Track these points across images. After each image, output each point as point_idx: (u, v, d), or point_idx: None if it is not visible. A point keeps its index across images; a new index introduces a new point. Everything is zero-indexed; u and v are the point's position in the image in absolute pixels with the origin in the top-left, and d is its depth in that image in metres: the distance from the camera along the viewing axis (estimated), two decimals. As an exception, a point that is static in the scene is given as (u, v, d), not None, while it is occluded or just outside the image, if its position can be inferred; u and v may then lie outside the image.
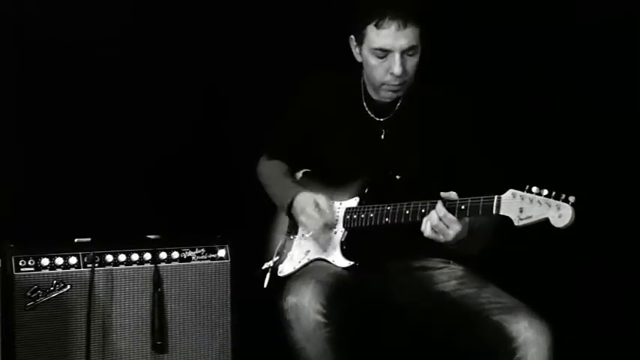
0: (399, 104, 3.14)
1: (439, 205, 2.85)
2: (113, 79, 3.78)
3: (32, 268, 3.28)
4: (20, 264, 3.27)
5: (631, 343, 3.67)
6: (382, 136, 3.16)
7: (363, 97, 3.18)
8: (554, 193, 2.69)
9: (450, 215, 2.83)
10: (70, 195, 3.73)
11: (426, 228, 2.88)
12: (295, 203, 3.15)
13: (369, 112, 3.17)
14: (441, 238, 2.87)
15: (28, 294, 3.26)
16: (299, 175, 3.34)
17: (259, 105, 3.83)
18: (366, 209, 3.05)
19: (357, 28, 3.07)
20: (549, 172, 3.60)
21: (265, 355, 3.53)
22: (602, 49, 3.71)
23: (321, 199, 3.11)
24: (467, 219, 2.86)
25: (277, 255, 3.24)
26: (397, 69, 3.02)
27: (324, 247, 3.11)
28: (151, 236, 3.50)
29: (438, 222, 2.85)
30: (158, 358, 3.41)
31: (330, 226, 3.10)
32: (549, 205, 2.68)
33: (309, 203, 3.11)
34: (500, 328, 2.89)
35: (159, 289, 3.40)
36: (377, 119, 3.17)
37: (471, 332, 2.96)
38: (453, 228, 2.84)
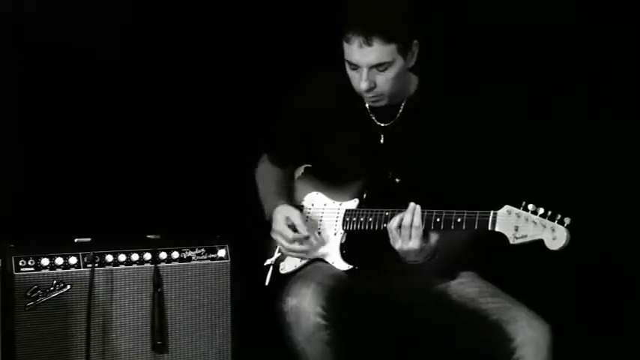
0: (401, 110, 3.14)
1: (417, 216, 2.86)
2: (113, 79, 3.78)
3: (32, 268, 3.27)
4: (20, 264, 3.26)
5: (629, 343, 3.67)
6: (382, 141, 3.15)
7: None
8: (549, 213, 2.69)
9: (420, 230, 2.84)
10: (70, 195, 3.73)
11: (393, 224, 2.89)
12: (273, 216, 3.17)
13: (372, 116, 3.17)
14: (397, 243, 2.89)
15: (28, 294, 3.26)
16: (300, 170, 3.34)
17: (259, 105, 3.83)
18: (365, 213, 3.05)
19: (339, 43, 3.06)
20: (549, 174, 3.62)
21: (265, 355, 3.53)
22: (602, 50, 3.71)
23: (294, 215, 3.12)
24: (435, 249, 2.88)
25: (278, 252, 3.24)
26: (363, 84, 3.00)
27: (324, 246, 3.12)
28: (151, 236, 3.50)
29: (409, 227, 2.86)
30: (158, 358, 3.40)
31: (301, 242, 3.10)
32: (544, 226, 2.69)
33: (280, 220, 3.13)
34: (499, 328, 2.90)
35: (159, 289, 3.39)
36: (378, 124, 3.16)
37: (470, 332, 2.97)
38: (413, 242, 2.86)
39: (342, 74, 3.14)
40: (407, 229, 2.88)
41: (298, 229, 3.10)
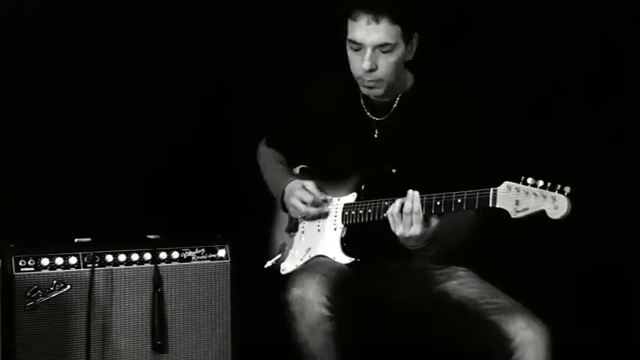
0: (396, 104, 3.14)
1: (417, 202, 2.86)
2: (113, 79, 3.78)
3: (32, 268, 3.27)
4: (20, 264, 3.26)
5: (629, 343, 3.67)
6: (375, 135, 3.16)
7: (361, 95, 3.18)
8: (549, 184, 2.70)
9: (421, 215, 2.85)
10: (70, 195, 3.73)
11: (394, 209, 2.89)
12: (286, 190, 3.21)
13: (366, 111, 3.18)
14: (398, 229, 2.89)
15: (28, 294, 3.26)
16: (296, 170, 3.35)
17: (260, 105, 3.83)
18: (364, 205, 3.06)
19: (343, 24, 3.06)
20: (549, 173, 3.62)
21: (265, 355, 3.53)
22: (602, 49, 3.71)
23: (308, 183, 3.16)
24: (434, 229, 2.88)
25: (279, 253, 3.25)
26: (365, 64, 3.00)
27: (325, 242, 3.13)
28: (151, 236, 3.50)
29: (410, 214, 2.87)
30: (158, 358, 3.41)
31: (318, 205, 3.14)
32: (545, 197, 2.69)
33: (296, 187, 3.17)
34: (498, 329, 2.89)
35: (159, 289, 3.39)
36: (373, 118, 3.17)
37: (470, 332, 2.97)
38: (414, 228, 2.86)
39: (341, 73, 3.13)
40: (408, 216, 2.88)
41: (315, 193, 3.15)
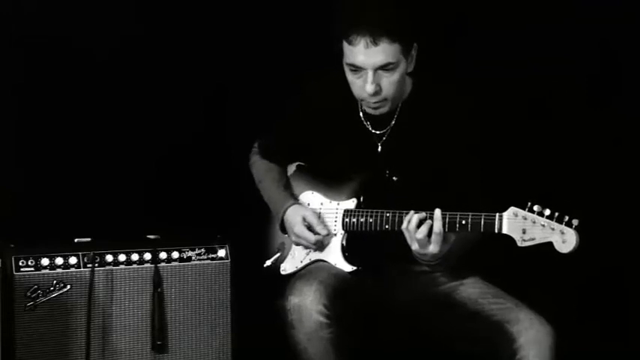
0: (397, 115, 3.10)
1: (438, 222, 2.83)
2: (112, 79, 3.78)
3: (32, 268, 3.27)
4: (20, 264, 3.26)
5: (631, 344, 3.67)
6: (379, 149, 3.12)
7: (360, 108, 3.13)
8: (556, 214, 2.67)
9: (442, 236, 2.82)
10: (70, 195, 3.73)
11: (412, 224, 2.86)
12: (285, 218, 3.16)
13: (367, 125, 3.14)
14: (414, 246, 2.87)
15: (28, 294, 3.26)
16: (292, 167, 3.32)
17: (259, 105, 3.83)
18: (365, 213, 3.04)
19: (337, 42, 3.00)
20: (548, 173, 3.62)
21: (265, 355, 3.53)
22: (601, 50, 3.71)
23: (309, 214, 3.11)
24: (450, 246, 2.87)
25: (277, 252, 3.24)
26: (369, 87, 2.94)
27: (325, 247, 3.11)
28: (151, 236, 3.50)
29: (425, 236, 2.85)
30: (158, 358, 3.41)
31: (323, 243, 3.10)
32: (553, 229, 2.67)
33: (297, 222, 3.11)
34: (502, 329, 2.90)
35: (159, 289, 3.40)
36: (374, 131, 3.13)
37: (473, 333, 2.97)
38: (433, 247, 2.85)
39: (340, 73, 3.12)
40: (423, 240, 2.86)
41: (317, 229, 3.09)
